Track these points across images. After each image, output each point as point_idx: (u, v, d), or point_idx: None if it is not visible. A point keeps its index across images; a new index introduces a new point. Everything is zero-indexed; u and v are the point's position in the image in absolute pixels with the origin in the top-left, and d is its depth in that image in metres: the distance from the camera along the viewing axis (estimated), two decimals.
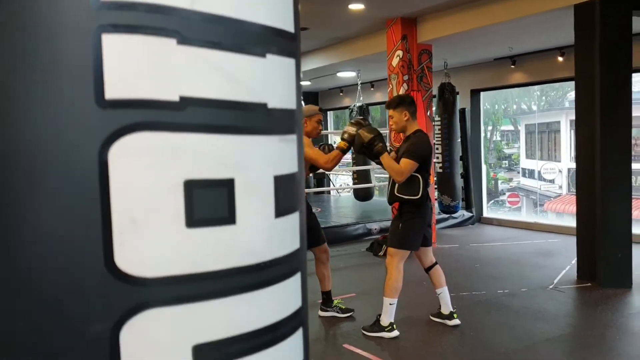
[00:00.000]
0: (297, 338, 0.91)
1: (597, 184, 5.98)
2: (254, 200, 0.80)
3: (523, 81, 10.07)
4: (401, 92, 8.06)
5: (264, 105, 0.81)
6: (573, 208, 6.52)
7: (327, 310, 5.25)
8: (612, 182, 5.89)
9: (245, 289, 0.79)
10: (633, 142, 9.67)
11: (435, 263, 4.90)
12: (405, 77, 8.11)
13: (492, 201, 11.67)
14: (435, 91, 9.34)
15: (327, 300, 5.27)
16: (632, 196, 6.08)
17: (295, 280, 0.90)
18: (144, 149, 0.70)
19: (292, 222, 0.89)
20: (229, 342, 0.78)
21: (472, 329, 4.86)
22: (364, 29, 8.71)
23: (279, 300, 0.86)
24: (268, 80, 0.82)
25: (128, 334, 0.70)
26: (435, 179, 9.12)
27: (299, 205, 0.92)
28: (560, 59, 8.87)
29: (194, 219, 0.73)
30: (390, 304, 4.66)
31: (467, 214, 10.49)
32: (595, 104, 5.93)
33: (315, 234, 5.02)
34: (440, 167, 9.61)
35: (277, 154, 0.84)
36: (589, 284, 6.06)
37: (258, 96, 0.80)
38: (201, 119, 0.74)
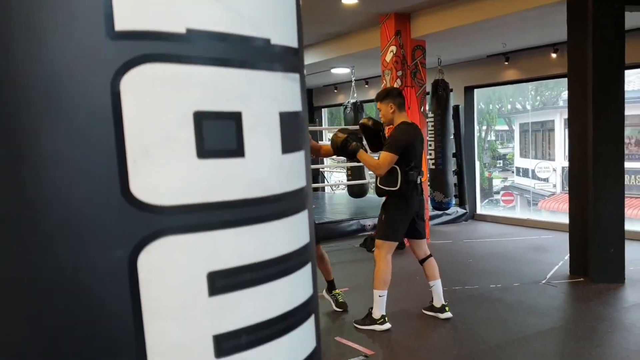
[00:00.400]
0: (306, 271, 0.95)
1: (589, 179, 5.98)
2: (261, 135, 0.84)
3: (516, 78, 10.07)
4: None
5: (267, 41, 0.84)
6: (567, 207, 6.52)
7: (328, 295, 5.36)
8: (604, 177, 5.89)
9: (256, 220, 0.83)
10: (627, 140, 9.77)
11: (430, 255, 4.92)
12: (399, 73, 8.10)
13: (487, 200, 11.68)
14: (429, 88, 9.34)
15: (330, 287, 5.39)
16: (626, 194, 6.09)
17: (302, 217, 0.94)
18: (154, 80, 0.73)
19: (298, 160, 0.93)
20: (242, 270, 0.81)
21: (464, 322, 4.86)
22: (358, 25, 8.70)
23: (288, 233, 0.90)
24: (271, 16, 0.86)
25: (146, 260, 0.74)
26: (427, 175, 9.11)
27: (304, 144, 0.96)
28: (553, 55, 8.88)
29: (204, 150, 0.76)
30: (380, 296, 4.68)
31: (460, 211, 10.49)
32: (588, 100, 5.94)
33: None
34: (433, 164, 9.61)
35: (281, 91, 0.88)
36: (582, 279, 6.07)
37: (261, 31, 0.83)
38: (207, 51, 0.77)
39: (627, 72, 7.74)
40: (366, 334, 4.63)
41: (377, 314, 4.70)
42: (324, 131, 15.09)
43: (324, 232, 8.63)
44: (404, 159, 4.57)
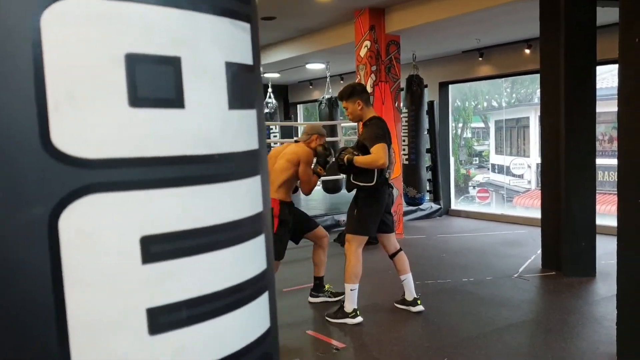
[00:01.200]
0: (259, 242, 0.87)
1: (561, 174, 6.01)
2: (204, 85, 0.76)
3: (491, 74, 10.12)
4: (369, 83, 8.04)
5: None
6: None
7: (318, 296, 5.31)
8: (576, 172, 5.92)
9: (199, 181, 0.75)
10: (601, 137, 9.86)
11: (400, 250, 4.90)
12: (373, 68, 8.08)
13: (462, 197, 11.71)
14: (403, 83, 9.34)
15: (318, 286, 5.33)
16: (598, 191, 6.13)
17: (255, 182, 0.86)
18: (81, 16, 0.65)
19: (249, 118, 0.85)
20: (182, 235, 0.73)
21: (436, 315, 4.85)
22: (332, 20, 8.67)
23: (238, 197, 0.82)
24: None
25: (69, 220, 0.66)
26: (401, 170, 9.10)
27: (257, 103, 0.88)
28: (527, 51, 8.93)
29: (137, 98, 0.69)
30: (351, 290, 4.66)
31: (435, 206, 10.52)
32: (560, 96, 5.97)
33: (307, 222, 5.16)
34: (406, 159, 9.61)
35: (228, 39, 0.80)
36: (554, 273, 6.10)
37: None
38: None
39: (602, 70, 7.82)
40: (338, 327, 4.61)
41: (348, 307, 4.68)
42: (299, 127, 15.04)
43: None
44: None
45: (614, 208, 10.06)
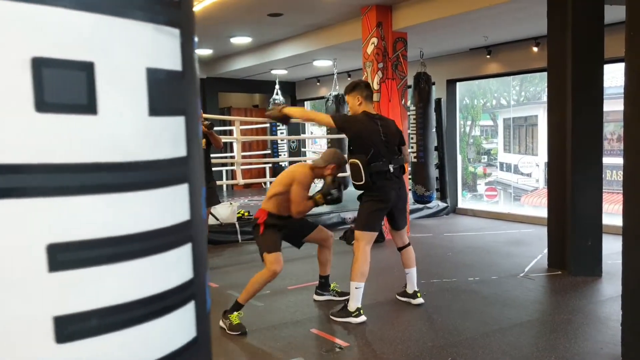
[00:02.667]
0: (185, 251, 0.85)
1: (568, 173, 5.97)
2: (121, 91, 0.74)
3: (498, 71, 10.07)
4: (376, 80, 8.02)
5: None
6: None
7: (323, 294, 5.27)
8: (583, 171, 5.88)
9: (112, 189, 0.73)
10: (609, 136, 9.79)
11: (408, 244, 4.98)
12: (380, 65, 8.06)
13: (471, 195, 11.67)
14: (410, 81, 9.31)
15: (324, 284, 5.28)
16: (606, 190, 6.09)
17: (180, 190, 0.83)
18: None
19: (175, 125, 0.82)
20: (92, 244, 0.71)
21: (440, 314, 4.83)
22: (340, 16, 8.65)
23: (158, 206, 0.79)
24: None
25: None
26: (409, 168, 9.09)
27: (188, 109, 0.85)
28: (535, 49, 8.88)
29: (44, 103, 0.67)
30: (356, 288, 4.64)
31: (442, 204, 10.49)
32: (567, 94, 5.93)
33: (305, 226, 4.99)
34: (414, 157, 9.59)
35: (151, 44, 0.78)
36: (559, 272, 6.07)
37: None
38: None
39: (610, 68, 7.76)
40: (342, 326, 4.60)
41: (352, 306, 4.67)
42: (306, 124, 15.04)
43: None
44: (359, 150, 4.57)
45: (621, 208, 10.02)
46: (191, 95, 0.87)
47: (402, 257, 4.99)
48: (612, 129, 10.18)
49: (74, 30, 0.69)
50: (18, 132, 0.66)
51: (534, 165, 12.24)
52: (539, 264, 6.45)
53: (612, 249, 6.09)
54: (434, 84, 10.02)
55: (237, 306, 4.52)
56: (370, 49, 8.12)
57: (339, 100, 11.28)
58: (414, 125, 9.60)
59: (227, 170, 13.75)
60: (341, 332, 4.47)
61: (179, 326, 0.85)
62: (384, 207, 4.68)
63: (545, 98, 11.72)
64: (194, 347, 0.89)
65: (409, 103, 9.16)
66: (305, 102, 15.54)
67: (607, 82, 5.96)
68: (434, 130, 10.07)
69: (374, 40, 8.03)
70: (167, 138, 0.81)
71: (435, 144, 10.20)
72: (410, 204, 9.16)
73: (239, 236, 8.20)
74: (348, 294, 5.09)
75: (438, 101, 10.45)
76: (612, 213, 8.82)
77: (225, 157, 12.64)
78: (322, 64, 11.53)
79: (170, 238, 0.82)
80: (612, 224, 7.31)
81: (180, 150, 0.84)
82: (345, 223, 8.99)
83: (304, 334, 4.48)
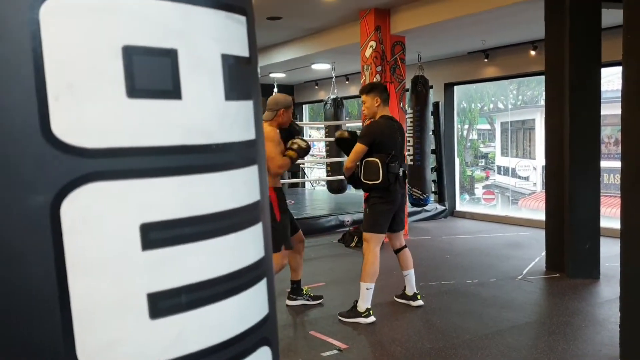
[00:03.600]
0: (257, 230, 0.89)
1: (566, 175, 6.00)
2: (201, 76, 0.77)
3: (496, 75, 10.10)
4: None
5: None
6: None
7: (296, 299, 5.21)
8: (581, 173, 5.91)
9: (197, 170, 0.77)
10: (606, 140, 9.83)
11: (405, 246, 5.00)
12: (378, 68, 8.09)
13: (468, 198, 11.69)
14: (408, 84, 9.34)
15: (297, 289, 5.21)
16: (604, 193, 6.12)
17: (252, 172, 0.88)
18: (77, 9, 0.67)
19: (246, 109, 0.86)
20: (181, 223, 0.75)
21: (439, 316, 4.85)
22: (338, 20, 8.68)
23: (235, 186, 0.83)
24: None
25: (70, 208, 0.68)
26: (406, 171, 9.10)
27: (254, 94, 0.89)
28: (532, 52, 8.91)
29: (135, 89, 0.70)
30: (367, 289, 4.67)
31: (440, 207, 10.50)
32: (565, 97, 5.96)
33: (294, 220, 5.00)
34: (411, 160, 9.61)
35: (224, 31, 0.82)
36: (557, 275, 6.09)
37: None
38: None
39: (608, 72, 7.81)
40: (341, 327, 4.61)
41: (362, 307, 4.69)
42: (305, 127, 15.06)
43: (303, 228, 8.59)
44: (381, 150, 4.59)
45: (619, 211, 10.05)
46: (256, 81, 0.91)
47: (400, 259, 5.01)
48: (610, 132, 10.21)
49: (159, 18, 0.73)
50: (112, 117, 0.69)
51: (532, 169, 12.27)
52: (537, 267, 6.47)
53: (609, 251, 6.11)
54: (431, 87, 10.05)
55: None
56: (368, 52, 8.15)
57: (337, 103, 11.31)
58: (411, 128, 9.63)
59: None
60: (341, 334, 4.49)
61: (256, 302, 0.89)
62: (392, 209, 4.74)
63: (542, 102, 11.75)
64: (268, 323, 0.92)
65: (406, 106, 9.18)
66: (304, 106, 15.57)
67: (604, 86, 6.00)
68: (431, 133, 10.10)
69: (372, 43, 8.06)
70: (240, 121, 0.85)
71: (433, 147, 10.22)
72: (408, 206, 9.18)
73: None
74: (321, 297, 5.23)
75: (436, 104, 10.48)
76: (610, 216, 8.85)
77: None
78: (321, 68, 11.56)
79: (246, 217, 0.85)
80: (609, 227, 7.33)
81: (251, 133, 0.88)
82: (344, 226, 9.00)
83: (303, 336, 4.50)
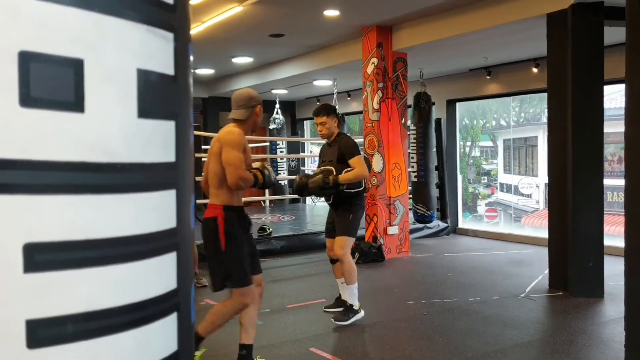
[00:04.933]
0: (169, 259, 0.81)
1: (569, 193, 5.97)
2: (109, 90, 0.72)
3: (498, 92, 10.11)
4: (376, 99, 8.05)
5: None
6: None
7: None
8: (584, 191, 5.88)
9: (95, 190, 0.70)
10: (610, 157, 9.81)
11: None
12: (380, 85, 8.09)
13: (471, 216, 11.65)
14: (411, 100, 9.34)
15: (245, 356, 3.88)
16: (607, 211, 6.09)
17: (167, 195, 0.80)
18: None
19: (165, 129, 0.80)
20: (72, 246, 0.68)
21: (441, 334, 4.80)
22: (340, 37, 8.70)
23: (144, 211, 0.76)
24: None
25: None
26: (410, 187, 9.08)
27: (179, 115, 0.83)
28: (534, 70, 8.92)
29: (30, 98, 0.65)
30: (355, 288, 5.03)
31: (442, 224, 10.46)
32: (568, 114, 5.94)
33: (255, 247, 4.04)
34: (415, 177, 9.59)
35: (143, 45, 0.76)
36: (561, 293, 6.04)
37: None
38: None
39: (611, 89, 7.80)
40: (341, 344, 4.56)
41: (356, 303, 5.05)
42: (306, 143, 15.06)
43: (303, 244, 8.58)
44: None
45: (623, 229, 10.00)
46: (183, 101, 0.85)
47: (336, 269, 5.26)
48: (613, 150, 10.19)
49: (64, 25, 0.68)
50: (2, 127, 0.64)
51: (534, 186, 12.23)
52: (540, 285, 6.42)
53: (613, 270, 6.07)
54: (434, 103, 10.06)
55: (198, 339, 3.70)
56: (370, 68, 8.16)
57: (339, 119, 11.30)
58: (414, 144, 9.62)
59: None
60: (342, 351, 4.44)
61: (160, 338, 0.81)
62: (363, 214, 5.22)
63: (544, 119, 11.76)
64: None
65: (409, 122, 9.18)
66: (305, 122, 15.58)
67: (606, 104, 5.99)
68: (434, 149, 10.09)
69: (374, 60, 8.07)
70: (156, 142, 0.78)
71: (435, 164, 10.21)
72: (411, 223, 9.14)
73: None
74: None
75: (438, 121, 10.48)
76: (614, 235, 8.81)
77: None
78: (322, 84, 11.58)
79: (154, 245, 0.79)
80: (613, 245, 7.28)
81: (169, 155, 0.81)
82: None
83: (304, 353, 4.45)
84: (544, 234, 7.26)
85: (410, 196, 9.49)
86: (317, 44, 9.22)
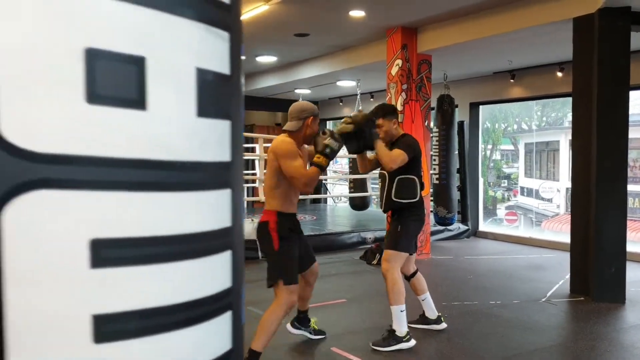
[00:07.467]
0: (224, 258, 0.83)
1: (592, 198, 5.95)
2: (170, 88, 0.73)
3: (522, 96, 10.07)
4: (399, 101, 8.06)
5: None
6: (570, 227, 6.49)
7: (300, 329, 4.71)
8: (607, 197, 5.86)
9: (158, 187, 0.72)
10: (632, 163, 9.73)
11: (417, 270, 4.84)
12: (404, 87, 8.10)
13: (490, 219, 11.61)
14: (434, 103, 9.34)
15: (303, 319, 4.70)
16: (629, 217, 6.05)
17: (223, 195, 0.82)
18: (39, 4, 0.63)
19: (221, 128, 0.81)
20: (137, 242, 0.69)
21: (461, 336, 4.81)
22: (365, 37, 8.72)
23: (201, 209, 0.78)
24: None
25: (13, 214, 0.63)
26: (431, 190, 9.09)
27: (234, 114, 0.84)
28: (559, 74, 8.87)
29: (95, 95, 0.66)
30: (401, 311, 4.44)
31: (462, 227, 10.45)
32: (592, 119, 5.92)
33: (310, 249, 4.40)
34: (437, 179, 9.59)
35: (202, 44, 0.77)
36: (582, 298, 6.02)
37: None
38: None
39: (634, 94, 7.74)
40: (362, 345, 4.57)
41: (402, 331, 4.46)
42: None
43: (324, 244, 8.60)
44: (417, 169, 4.53)
45: None
46: (237, 101, 0.86)
47: (414, 285, 4.80)
48: (635, 155, 10.12)
49: (128, 23, 0.68)
50: (68, 122, 0.65)
51: (555, 191, 12.16)
52: (561, 289, 6.40)
53: (634, 276, 6.04)
54: (457, 106, 10.04)
55: (254, 355, 3.83)
56: (394, 70, 8.17)
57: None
58: (437, 147, 9.62)
59: (248, 187, 13.83)
60: (362, 351, 4.46)
61: (216, 336, 0.83)
62: (420, 229, 4.66)
63: (567, 124, 11.70)
64: (230, 359, 0.86)
65: (432, 125, 9.18)
66: (328, 122, 15.61)
67: (631, 109, 5.94)
68: (456, 152, 10.08)
69: (399, 62, 8.09)
70: (213, 141, 0.79)
71: (457, 167, 10.20)
72: (431, 225, 9.15)
73: (260, 252, 8.21)
74: (324, 333, 4.77)
75: (461, 124, 10.47)
76: (635, 241, 8.74)
77: (247, 174, 12.72)
78: (346, 84, 11.60)
79: (212, 243, 0.80)
80: (633, 251, 7.24)
81: (225, 155, 0.83)
82: (365, 243, 8.98)
83: (325, 352, 4.48)
84: (564, 238, 7.24)
85: (432, 198, 9.49)
86: (341, 44, 9.25)
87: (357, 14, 7.34)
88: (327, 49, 9.69)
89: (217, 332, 0.83)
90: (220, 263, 0.82)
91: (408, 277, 4.82)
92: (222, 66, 0.81)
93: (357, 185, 10.98)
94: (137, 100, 0.69)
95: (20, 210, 0.63)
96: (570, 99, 6.45)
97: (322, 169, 3.85)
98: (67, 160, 0.65)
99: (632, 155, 9.65)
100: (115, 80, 0.68)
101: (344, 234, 9.11)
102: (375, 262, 7.73)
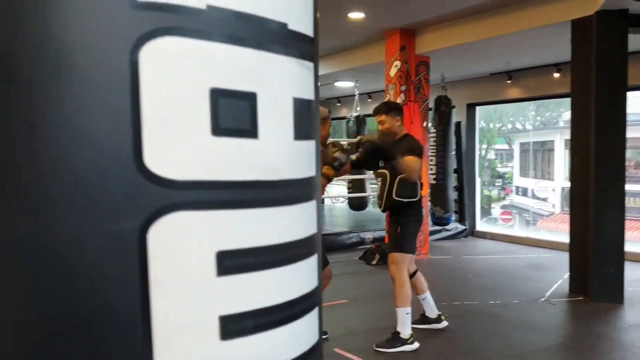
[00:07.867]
0: (312, 261, 0.94)
1: (591, 198, 5.99)
2: (275, 118, 0.84)
3: (519, 96, 10.12)
4: (398, 102, 8.10)
5: (285, 25, 0.85)
6: (566, 227, 6.54)
7: None
8: (605, 197, 5.90)
9: (266, 203, 0.83)
10: (627, 163, 9.80)
11: (417, 270, 4.85)
12: (403, 88, 8.14)
13: (485, 218, 11.67)
14: (431, 103, 9.39)
15: None
16: (626, 216, 6.11)
17: (311, 206, 0.94)
18: (173, 53, 0.73)
19: (309, 148, 0.93)
20: (250, 252, 0.81)
21: (462, 336, 4.85)
22: (363, 39, 8.75)
23: (297, 220, 0.89)
24: (289, 2, 0.87)
25: (156, 234, 0.72)
26: (428, 190, 9.13)
27: (315, 134, 0.95)
28: (556, 75, 8.92)
29: (219, 128, 0.76)
30: (406, 314, 4.47)
31: (460, 227, 10.49)
32: (590, 120, 5.96)
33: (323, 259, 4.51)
34: (434, 179, 9.62)
35: (296, 77, 0.88)
36: (581, 298, 6.06)
37: (279, 15, 0.84)
38: (226, 29, 0.77)
39: (630, 94, 7.80)
40: (365, 345, 4.60)
41: (406, 333, 4.50)
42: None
43: (323, 244, 8.61)
44: None
45: None
46: (317, 121, 0.98)
47: (415, 284, 4.80)
48: (630, 155, 10.19)
49: (242, 64, 0.79)
50: (198, 153, 0.75)
51: (551, 190, 12.24)
52: (560, 289, 6.45)
53: (632, 276, 6.09)
54: (454, 107, 10.09)
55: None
56: (393, 71, 8.22)
57: (359, 121, 11.37)
58: (434, 147, 9.66)
59: None
60: (364, 352, 4.49)
61: (308, 330, 0.93)
62: (420, 227, 4.70)
63: (562, 124, 11.76)
64: (317, 350, 0.97)
65: (429, 125, 9.23)
66: None
67: (628, 109, 6.00)
68: (454, 153, 10.13)
69: (397, 63, 8.13)
70: (304, 159, 0.91)
71: (454, 167, 10.25)
72: (429, 225, 9.19)
73: None
74: (326, 333, 4.74)
75: (458, 124, 10.51)
76: (631, 240, 8.81)
77: None
78: (344, 85, 11.64)
79: (305, 249, 0.91)
80: (631, 251, 7.29)
81: (312, 170, 0.94)
82: (364, 243, 9.02)
83: (328, 353, 4.50)
84: (561, 238, 7.29)
85: (429, 198, 9.54)
86: (340, 45, 9.27)
87: (356, 15, 7.38)
88: (326, 50, 9.72)
89: (308, 327, 0.94)
90: (310, 265, 0.93)
91: (409, 276, 4.81)
92: (309, 93, 0.92)
93: (355, 186, 11.02)
94: (250, 130, 0.80)
95: (162, 230, 0.73)
96: (565, 100, 6.50)
97: (329, 180, 3.97)
98: (197, 185, 0.75)
99: (627, 154, 9.73)
100: (233, 114, 0.78)
101: (343, 235, 9.14)
102: (375, 262, 7.78)
